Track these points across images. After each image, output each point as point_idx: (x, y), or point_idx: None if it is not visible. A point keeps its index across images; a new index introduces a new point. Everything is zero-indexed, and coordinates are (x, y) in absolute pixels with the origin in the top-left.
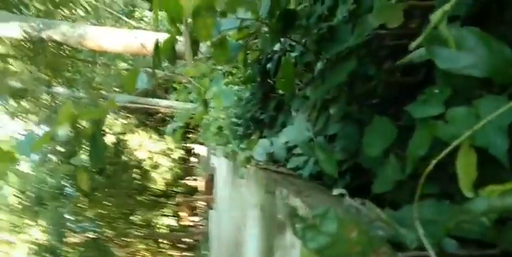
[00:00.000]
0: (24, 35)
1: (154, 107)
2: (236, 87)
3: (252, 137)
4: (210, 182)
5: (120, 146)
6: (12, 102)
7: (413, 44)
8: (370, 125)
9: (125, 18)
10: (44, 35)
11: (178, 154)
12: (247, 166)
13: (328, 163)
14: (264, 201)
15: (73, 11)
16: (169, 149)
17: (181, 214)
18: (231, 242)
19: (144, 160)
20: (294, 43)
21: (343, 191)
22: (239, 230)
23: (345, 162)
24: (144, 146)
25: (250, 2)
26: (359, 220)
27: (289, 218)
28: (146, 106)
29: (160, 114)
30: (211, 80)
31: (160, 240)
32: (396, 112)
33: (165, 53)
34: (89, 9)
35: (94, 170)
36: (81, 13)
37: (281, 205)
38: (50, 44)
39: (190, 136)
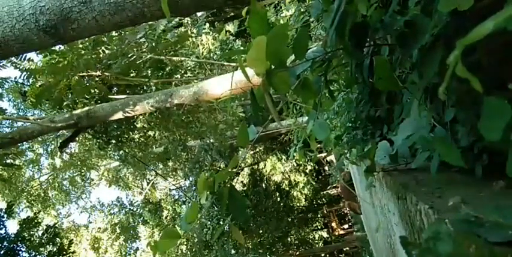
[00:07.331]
0: (152, 108)
1: (274, 131)
2: (342, 94)
3: (369, 143)
4: (346, 188)
5: (256, 175)
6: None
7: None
8: (482, 110)
9: (227, 63)
10: (167, 103)
11: (309, 167)
12: (374, 172)
13: (451, 155)
14: (399, 207)
15: (184, 75)
16: (300, 164)
17: (331, 224)
18: (386, 249)
19: (282, 182)
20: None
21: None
22: (390, 237)
23: (475, 143)
24: (277, 168)
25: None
26: (474, 232)
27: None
28: (267, 133)
29: (283, 136)
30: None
31: (321, 254)
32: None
33: (260, 100)
34: (195, 67)
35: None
36: (189, 73)
37: (414, 211)
38: (173, 109)
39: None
